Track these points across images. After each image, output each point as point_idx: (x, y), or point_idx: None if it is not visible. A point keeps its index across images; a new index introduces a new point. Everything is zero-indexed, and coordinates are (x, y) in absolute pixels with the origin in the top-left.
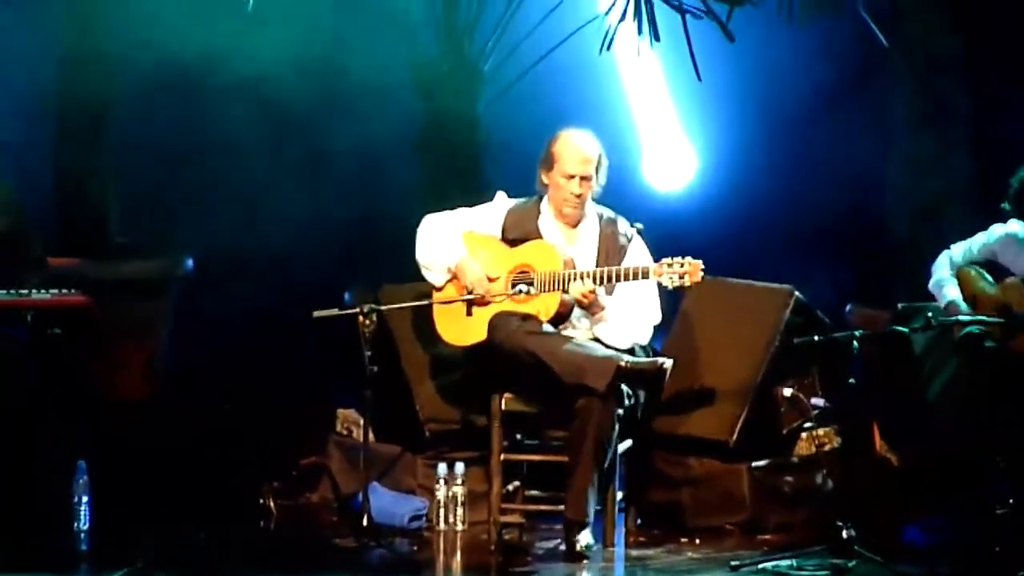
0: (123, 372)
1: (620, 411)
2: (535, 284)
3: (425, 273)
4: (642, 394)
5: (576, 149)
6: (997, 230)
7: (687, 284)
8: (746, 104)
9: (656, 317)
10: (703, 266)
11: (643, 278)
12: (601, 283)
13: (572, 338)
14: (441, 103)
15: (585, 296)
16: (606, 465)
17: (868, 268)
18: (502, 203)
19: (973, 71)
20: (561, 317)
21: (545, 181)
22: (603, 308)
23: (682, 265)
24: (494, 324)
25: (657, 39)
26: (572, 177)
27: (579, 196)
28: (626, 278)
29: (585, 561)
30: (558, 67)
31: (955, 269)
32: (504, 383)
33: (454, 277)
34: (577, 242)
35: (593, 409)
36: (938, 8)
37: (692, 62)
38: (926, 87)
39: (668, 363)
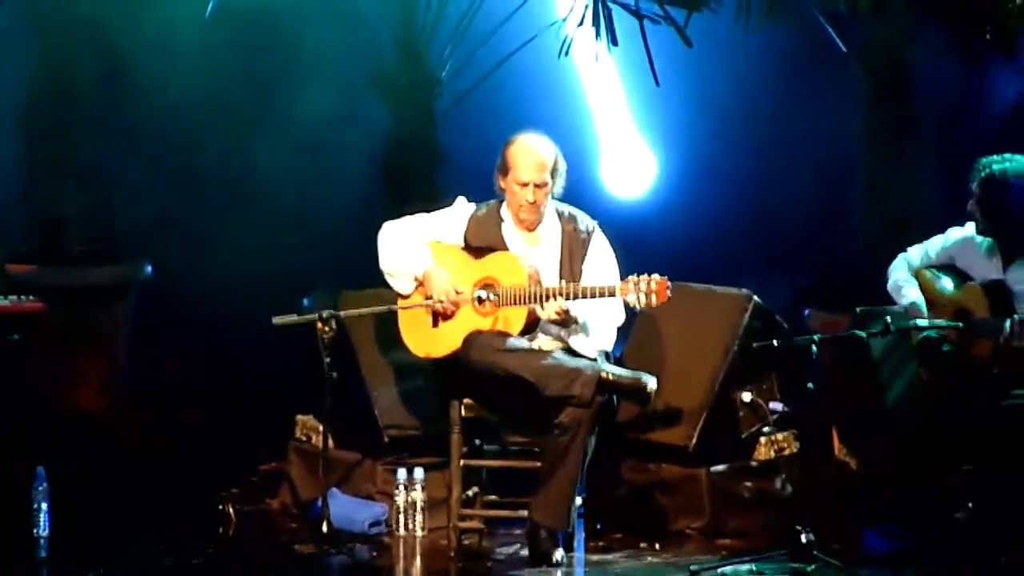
0: (82, 378)
1: (599, 423)
2: (500, 299)
3: (390, 281)
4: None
5: (529, 155)
6: (954, 233)
7: (654, 303)
8: (705, 109)
9: (620, 318)
10: (670, 285)
11: (609, 296)
12: (567, 300)
13: (547, 351)
14: (399, 109)
15: (558, 314)
16: (583, 474)
17: (827, 272)
18: (463, 209)
19: (933, 76)
20: (529, 328)
21: (502, 186)
22: (576, 321)
23: (648, 284)
24: (468, 342)
25: (615, 44)
26: (526, 185)
27: (533, 203)
28: (592, 296)
29: (546, 567)
30: (516, 73)
31: (912, 272)
32: (470, 394)
33: (420, 286)
34: (540, 244)
35: (581, 420)
36: (897, 15)
37: (650, 67)
38: (887, 93)
39: (653, 384)
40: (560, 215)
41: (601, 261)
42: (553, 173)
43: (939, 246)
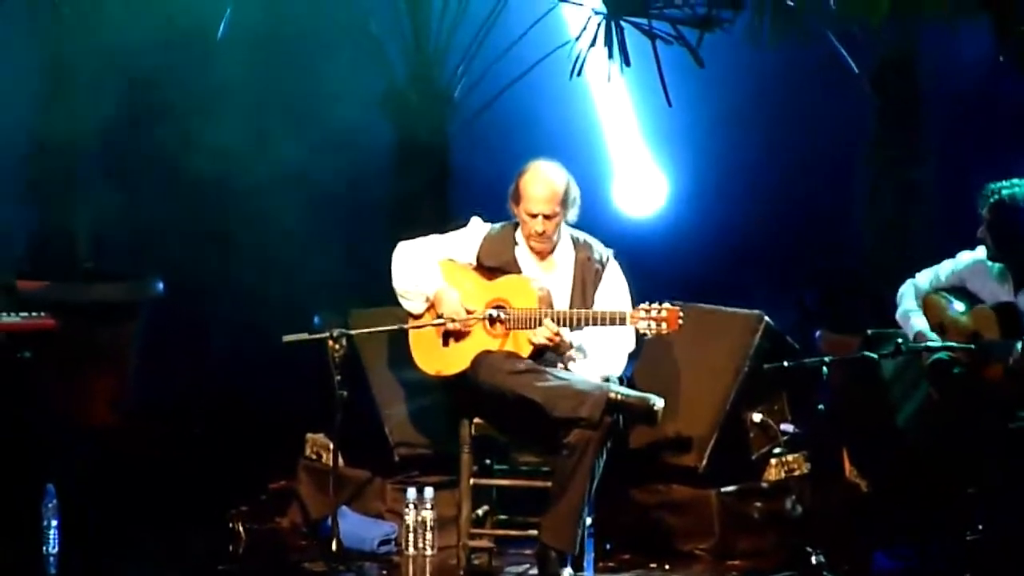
0: (92, 395)
1: (609, 443)
2: (510, 321)
3: (403, 302)
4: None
5: (540, 187)
6: (965, 256)
7: (664, 331)
8: (716, 129)
9: (630, 344)
10: (681, 314)
11: (620, 323)
12: (577, 325)
13: (555, 372)
14: (411, 129)
15: (550, 340)
16: (592, 495)
17: (838, 294)
18: (478, 229)
19: (941, 96)
20: (539, 352)
21: (515, 212)
22: (571, 347)
23: (659, 312)
24: (477, 363)
25: (628, 64)
26: (535, 216)
27: (543, 233)
28: (602, 323)
29: None
30: (529, 92)
31: (921, 297)
32: (480, 413)
33: (432, 306)
34: (554, 270)
35: (589, 441)
36: (907, 35)
37: (662, 87)
38: (895, 113)
39: (660, 404)
40: (575, 242)
41: (614, 291)
42: (564, 203)
43: (949, 269)
